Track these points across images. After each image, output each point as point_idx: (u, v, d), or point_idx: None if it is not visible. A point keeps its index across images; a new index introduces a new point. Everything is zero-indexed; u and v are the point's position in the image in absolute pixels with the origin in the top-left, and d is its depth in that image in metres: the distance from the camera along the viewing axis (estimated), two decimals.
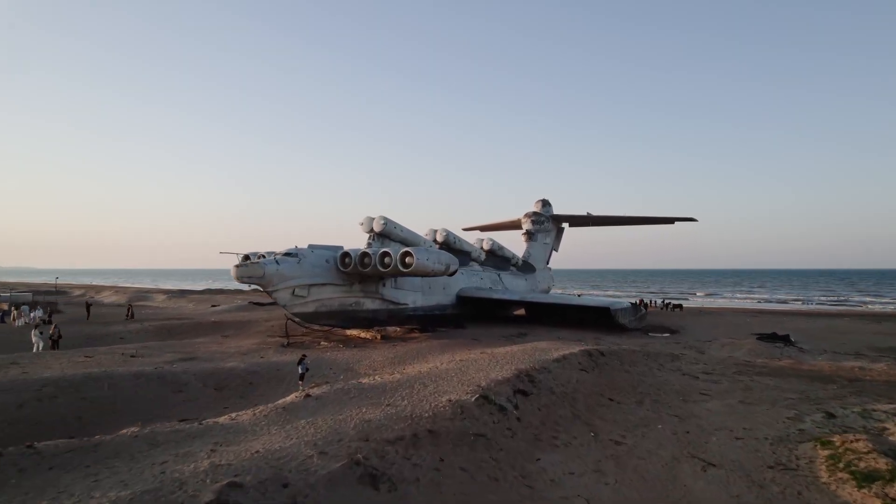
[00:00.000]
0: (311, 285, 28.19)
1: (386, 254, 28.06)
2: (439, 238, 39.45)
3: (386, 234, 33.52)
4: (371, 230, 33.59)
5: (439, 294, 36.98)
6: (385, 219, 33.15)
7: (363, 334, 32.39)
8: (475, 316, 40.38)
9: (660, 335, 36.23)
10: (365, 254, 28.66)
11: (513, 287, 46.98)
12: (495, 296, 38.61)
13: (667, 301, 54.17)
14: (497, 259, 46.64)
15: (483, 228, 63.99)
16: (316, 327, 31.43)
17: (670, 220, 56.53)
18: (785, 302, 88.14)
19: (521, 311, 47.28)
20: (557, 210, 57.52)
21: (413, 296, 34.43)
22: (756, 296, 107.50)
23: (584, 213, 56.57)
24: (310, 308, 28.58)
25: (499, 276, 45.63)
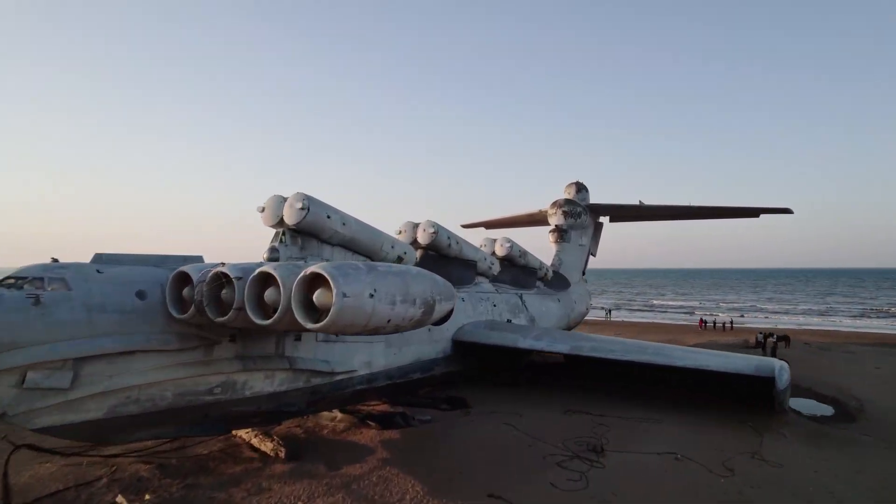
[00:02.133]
0: (82, 359, 11.13)
1: (266, 278, 10.95)
2: (423, 238, 22.37)
3: (311, 230, 16.56)
4: (279, 222, 16.57)
5: (420, 342, 19.91)
6: (307, 199, 16.12)
7: (255, 441, 15.43)
8: (480, 366, 23.43)
9: (824, 420, 19.35)
10: (219, 279, 11.53)
11: (542, 314, 29.91)
12: (524, 343, 21.39)
13: (766, 333, 37.48)
14: (517, 271, 29.50)
15: (489, 225, 46.78)
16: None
17: (754, 213, 39.50)
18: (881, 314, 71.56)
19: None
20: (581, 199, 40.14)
21: (365, 352, 17.29)
22: (805, 306, 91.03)
23: (635, 203, 39.69)
24: (89, 412, 11.43)
25: (520, 297, 28.53)
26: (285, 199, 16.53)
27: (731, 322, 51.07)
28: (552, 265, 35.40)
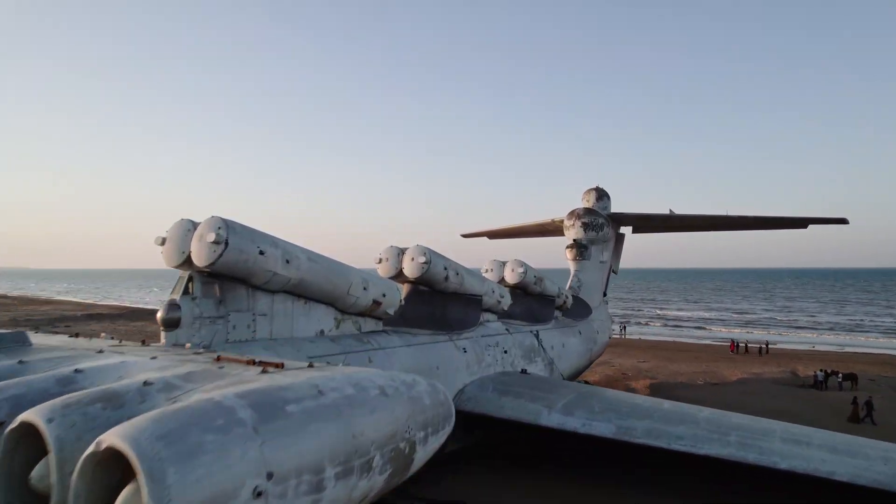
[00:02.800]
0: None
1: (33, 435, 5.09)
2: (411, 270, 16.44)
3: (236, 272, 10.85)
4: (185, 261, 10.87)
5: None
6: (225, 226, 10.37)
7: None
8: (487, 438, 17.70)
9: None
10: None
11: (562, 353, 24.19)
12: (549, 420, 15.24)
13: (829, 371, 31.17)
14: (531, 301, 23.74)
15: (493, 235, 41.09)
16: None
17: (802, 223, 34.02)
18: None
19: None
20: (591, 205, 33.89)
21: None
22: (826, 317, 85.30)
23: (666, 212, 34.11)
24: None
25: (536, 336, 22.78)
26: (194, 226, 10.79)
27: (767, 345, 45.30)
28: (570, 287, 29.71)
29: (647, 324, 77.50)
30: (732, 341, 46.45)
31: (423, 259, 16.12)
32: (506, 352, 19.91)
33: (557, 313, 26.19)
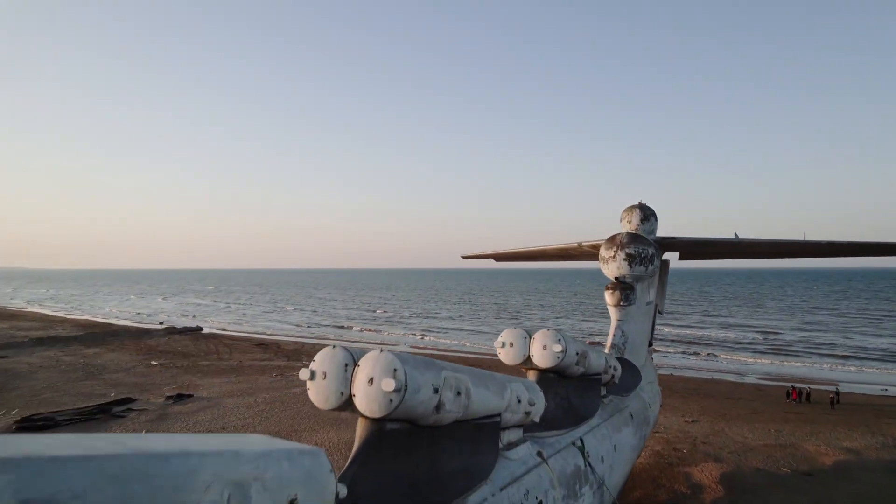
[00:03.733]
0: None
1: None
2: (372, 404, 7.92)
3: None
4: None
5: None
6: None
7: None
8: None
9: None
10: None
11: (614, 461, 16.16)
12: None
13: None
14: (570, 388, 15.73)
15: (500, 257, 32.92)
16: None
17: None
18: None
19: None
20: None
21: None
22: (859, 338, 77.43)
23: (730, 236, 26.29)
24: None
25: (581, 448, 14.77)
26: None
27: (838, 393, 37.46)
28: (612, 346, 21.64)
29: (666, 353, 69.42)
30: (793, 388, 38.53)
31: (392, 386, 7.74)
32: (541, 502, 11.85)
33: (605, 393, 18.18)
